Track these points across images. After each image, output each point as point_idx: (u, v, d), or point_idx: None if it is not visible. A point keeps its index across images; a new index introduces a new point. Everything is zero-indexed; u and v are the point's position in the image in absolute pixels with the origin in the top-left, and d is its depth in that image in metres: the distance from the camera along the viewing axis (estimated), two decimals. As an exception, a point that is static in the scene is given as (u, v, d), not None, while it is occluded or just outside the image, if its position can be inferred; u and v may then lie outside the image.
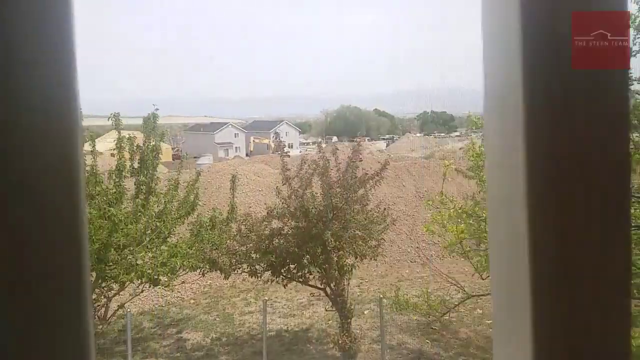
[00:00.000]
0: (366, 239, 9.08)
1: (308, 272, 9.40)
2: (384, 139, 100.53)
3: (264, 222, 9.29)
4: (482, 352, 10.11)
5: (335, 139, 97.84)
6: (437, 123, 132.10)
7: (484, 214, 5.73)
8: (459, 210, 5.68)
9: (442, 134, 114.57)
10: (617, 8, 0.72)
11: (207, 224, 10.64)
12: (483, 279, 6.73)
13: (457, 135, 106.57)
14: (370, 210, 9.38)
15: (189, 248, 10.01)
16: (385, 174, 9.25)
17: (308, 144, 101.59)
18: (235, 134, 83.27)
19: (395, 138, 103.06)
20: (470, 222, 5.81)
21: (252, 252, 9.22)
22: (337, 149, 9.77)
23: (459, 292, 11.37)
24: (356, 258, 9.06)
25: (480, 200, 6.61)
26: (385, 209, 9.70)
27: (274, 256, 9.03)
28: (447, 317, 10.40)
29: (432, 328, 11.19)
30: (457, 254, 6.18)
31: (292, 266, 9.34)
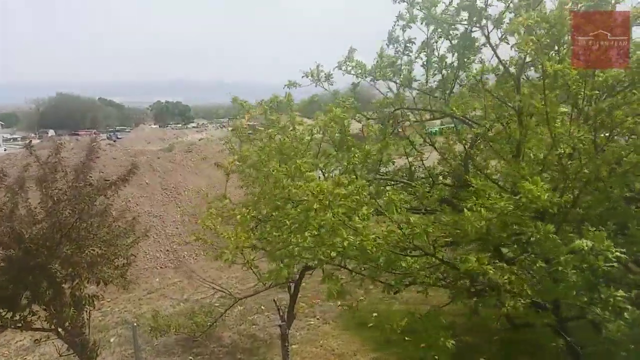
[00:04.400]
0: (111, 258, 7.38)
1: (30, 314, 7.08)
2: (113, 131, 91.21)
3: (-51, 257, 6.44)
4: (249, 354, 9.75)
5: (52, 132, 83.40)
6: (172, 114, 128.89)
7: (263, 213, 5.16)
8: (245, 215, 4.97)
9: (179, 125, 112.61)
10: None
11: None
12: (266, 288, 6.23)
13: (194, 127, 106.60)
14: (114, 222, 7.68)
15: None
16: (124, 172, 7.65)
17: (16, 139, 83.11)
18: None
19: (127, 130, 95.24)
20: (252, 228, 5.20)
21: None
22: (62, 145, 7.63)
23: (218, 292, 10.79)
24: (98, 284, 7.25)
25: (256, 199, 6.00)
26: (134, 218, 8.13)
27: (-30, 302, 6.39)
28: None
29: (194, 340, 10.23)
30: (239, 263, 5.46)
31: (2, 310, 6.83)
